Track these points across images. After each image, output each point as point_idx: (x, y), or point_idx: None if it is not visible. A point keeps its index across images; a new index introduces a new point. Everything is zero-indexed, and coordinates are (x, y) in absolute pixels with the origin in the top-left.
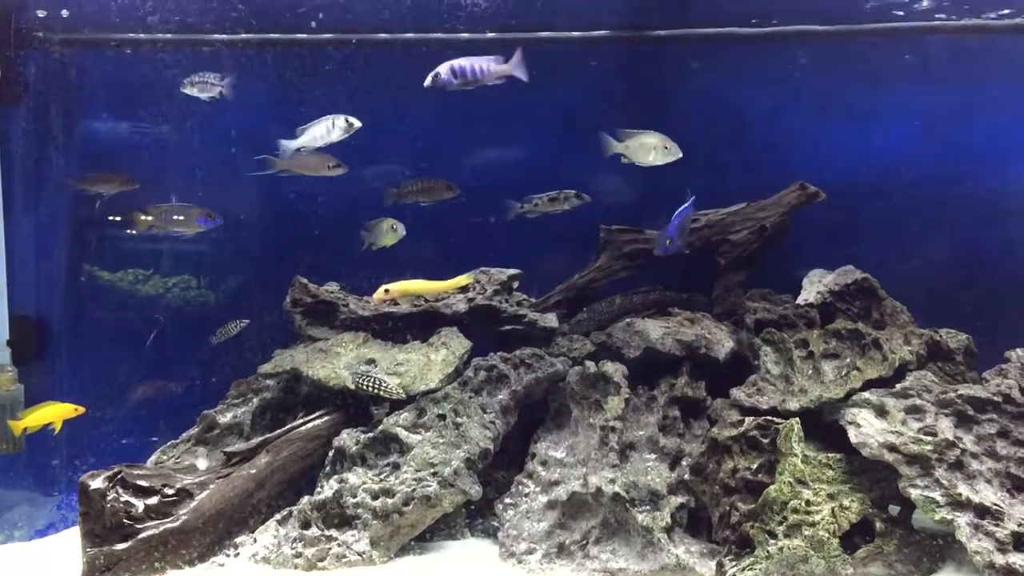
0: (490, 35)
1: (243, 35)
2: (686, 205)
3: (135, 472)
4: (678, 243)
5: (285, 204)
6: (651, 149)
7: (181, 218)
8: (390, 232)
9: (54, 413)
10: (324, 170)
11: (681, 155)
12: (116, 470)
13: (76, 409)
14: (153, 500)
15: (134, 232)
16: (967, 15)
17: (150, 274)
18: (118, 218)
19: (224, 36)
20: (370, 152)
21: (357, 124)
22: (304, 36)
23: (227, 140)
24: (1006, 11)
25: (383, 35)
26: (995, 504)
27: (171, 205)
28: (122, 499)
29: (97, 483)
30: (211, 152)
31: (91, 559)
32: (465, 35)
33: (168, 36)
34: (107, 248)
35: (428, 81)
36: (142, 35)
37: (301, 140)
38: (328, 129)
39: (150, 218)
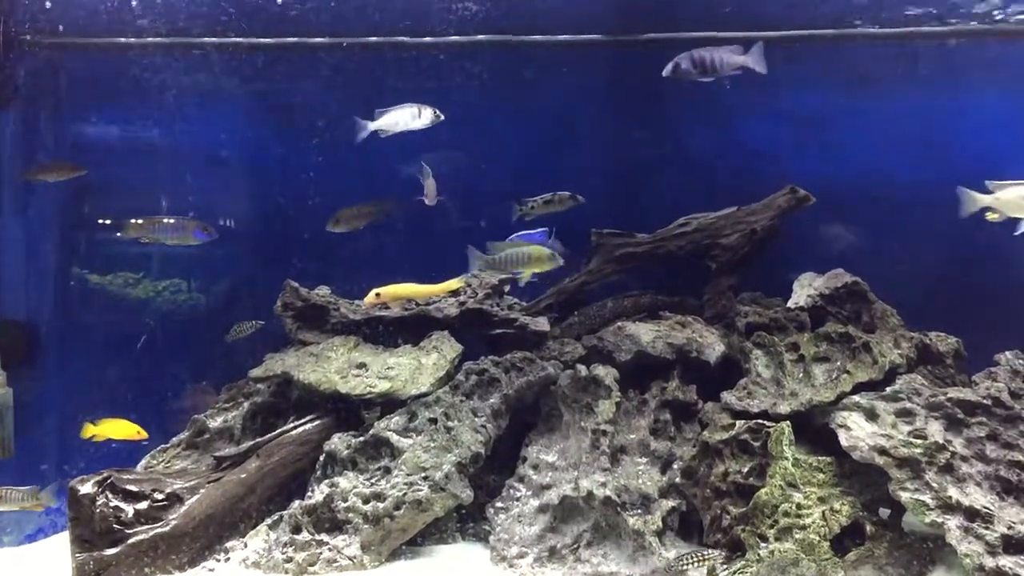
0: (480, 38)
1: (233, 38)
2: (537, 231)
3: (125, 477)
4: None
5: (275, 208)
6: None
7: (176, 229)
8: (548, 261)
9: (122, 430)
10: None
11: None
12: (106, 475)
13: (139, 432)
14: (143, 505)
15: (120, 235)
16: (966, 20)
17: (140, 277)
18: (108, 221)
19: (214, 39)
20: (358, 156)
21: (442, 117)
22: (293, 40)
23: (218, 143)
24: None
25: (373, 38)
26: (985, 507)
27: (167, 217)
28: (112, 504)
29: (86, 488)
30: (201, 155)
31: (80, 564)
32: (455, 38)
33: (159, 40)
34: (97, 251)
35: (668, 70)
36: (132, 39)
37: (380, 122)
38: (413, 116)
39: (141, 225)
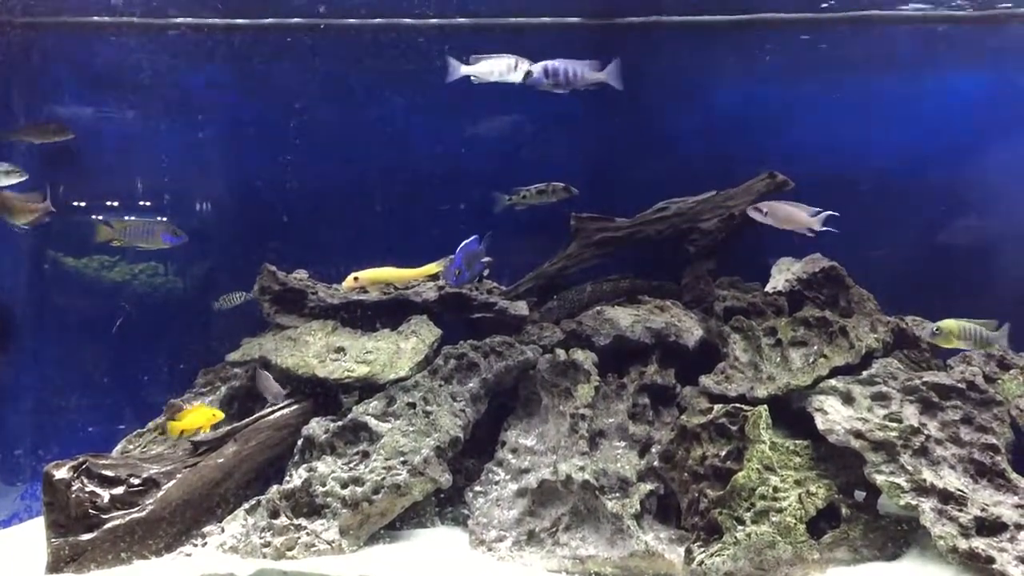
0: (460, 20)
1: (209, 19)
2: (471, 240)
3: (100, 462)
4: (467, 274)
5: (253, 191)
6: None
7: (146, 234)
8: None
9: (205, 417)
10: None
11: None
12: (81, 459)
13: (215, 414)
14: (119, 490)
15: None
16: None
17: (116, 260)
18: (82, 204)
19: (190, 20)
20: (338, 139)
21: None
22: (271, 21)
23: (193, 125)
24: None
25: (352, 20)
26: (959, 489)
27: (137, 220)
28: (87, 489)
29: (62, 473)
30: (177, 137)
31: (56, 550)
32: (435, 20)
33: (134, 20)
34: (72, 234)
35: (520, 78)
36: (107, 18)
37: (474, 68)
38: (509, 68)
39: (114, 231)
